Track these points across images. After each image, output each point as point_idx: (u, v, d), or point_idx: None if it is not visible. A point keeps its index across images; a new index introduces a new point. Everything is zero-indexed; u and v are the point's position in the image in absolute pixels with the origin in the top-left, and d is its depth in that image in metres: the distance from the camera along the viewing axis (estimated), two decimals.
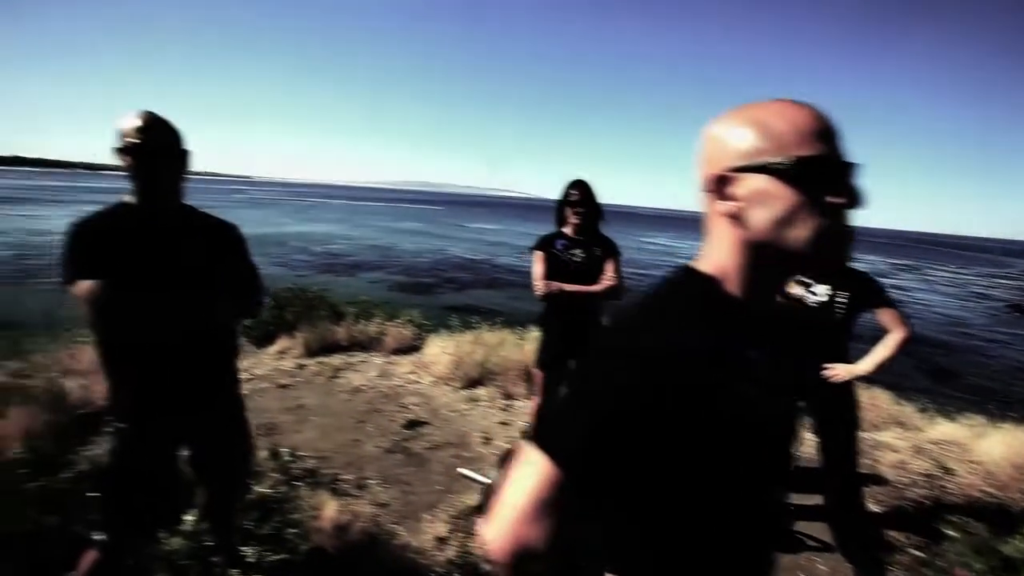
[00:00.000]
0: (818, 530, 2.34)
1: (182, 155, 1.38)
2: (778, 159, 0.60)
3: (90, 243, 1.27)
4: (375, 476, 2.73)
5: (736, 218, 0.63)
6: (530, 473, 0.59)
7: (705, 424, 0.59)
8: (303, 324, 4.81)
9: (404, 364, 4.45)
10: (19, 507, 1.88)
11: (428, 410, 3.63)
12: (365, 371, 4.25)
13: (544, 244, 2.64)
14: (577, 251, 2.61)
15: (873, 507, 2.65)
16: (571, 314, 2.64)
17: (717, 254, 0.66)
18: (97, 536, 1.38)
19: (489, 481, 2.22)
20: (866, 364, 2.03)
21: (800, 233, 0.60)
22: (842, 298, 2.00)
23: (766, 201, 0.61)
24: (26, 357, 3.74)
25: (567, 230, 2.66)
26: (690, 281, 0.67)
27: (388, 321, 5.09)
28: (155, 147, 1.31)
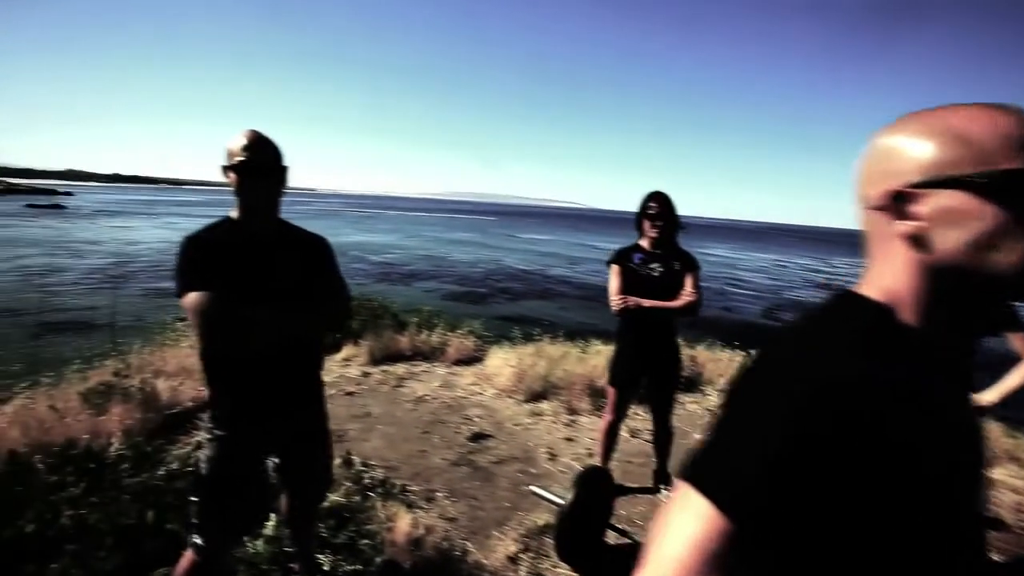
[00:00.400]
0: None
1: (283, 172, 1.43)
2: (978, 172, 0.51)
3: (200, 257, 1.32)
4: (443, 489, 2.71)
5: (917, 239, 0.54)
6: (691, 520, 0.52)
7: (894, 464, 0.50)
8: (368, 333, 4.93)
9: (466, 375, 4.46)
10: (122, 501, 1.98)
11: (492, 423, 3.59)
12: (428, 381, 4.28)
13: (621, 257, 2.56)
14: (655, 265, 2.51)
15: (994, 556, 2.35)
16: (648, 330, 2.53)
17: (888, 279, 0.57)
18: (195, 539, 1.42)
19: (562, 502, 2.15)
20: (992, 394, 1.80)
21: (1007, 258, 0.50)
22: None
23: (960, 221, 0.51)
24: (122, 357, 4.02)
25: (644, 243, 2.56)
26: (855, 308, 0.59)
27: (450, 331, 5.13)
28: (260, 165, 1.36)
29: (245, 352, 1.34)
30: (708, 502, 0.51)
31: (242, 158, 1.33)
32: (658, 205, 2.48)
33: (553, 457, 3.16)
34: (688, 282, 2.50)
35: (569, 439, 3.43)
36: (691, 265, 2.54)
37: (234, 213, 1.42)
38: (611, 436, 2.74)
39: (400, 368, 4.50)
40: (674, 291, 2.48)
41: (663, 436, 2.76)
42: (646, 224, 2.52)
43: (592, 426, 3.64)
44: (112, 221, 32.74)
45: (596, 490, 2.22)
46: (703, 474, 0.54)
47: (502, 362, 4.44)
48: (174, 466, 2.33)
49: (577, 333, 5.75)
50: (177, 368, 3.64)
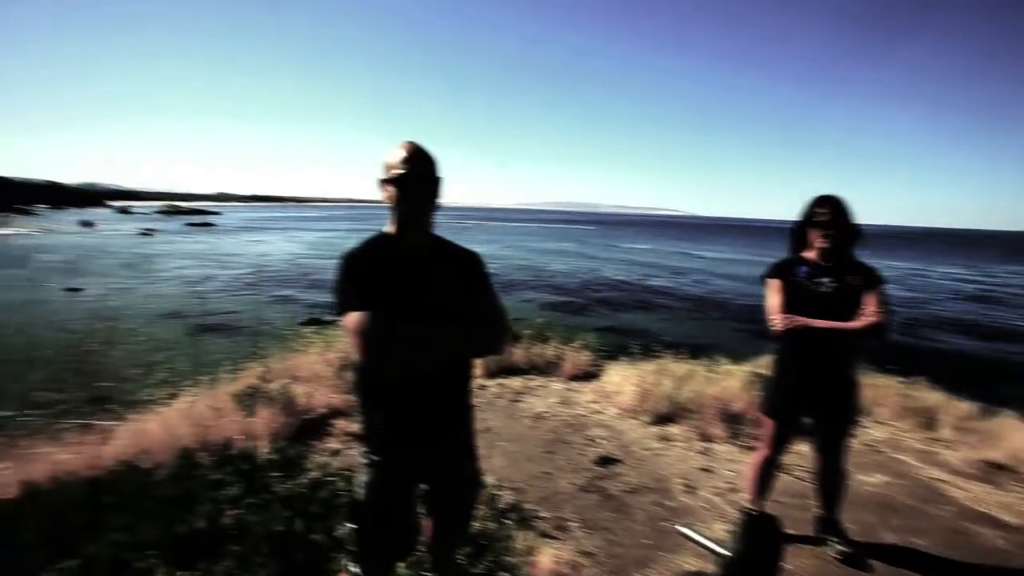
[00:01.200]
0: None
1: (439, 184, 1.35)
2: None
3: (359, 275, 1.27)
4: (574, 518, 2.52)
5: None
6: None
7: None
8: None
9: (585, 392, 4.25)
10: (274, 507, 2.05)
11: (618, 445, 3.34)
12: (545, 396, 4.13)
13: (782, 271, 2.20)
14: (826, 279, 2.12)
15: None
16: (817, 355, 2.14)
17: None
18: (352, 568, 1.36)
19: (723, 551, 1.85)
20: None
21: None
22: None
23: None
24: (263, 360, 4.37)
25: (810, 254, 2.18)
26: None
27: (564, 345, 4.95)
28: (420, 177, 1.29)
29: (404, 373, 1.26)
30: None
31: (402, 170, 1.27)
32: (829, 211, 2.10)
33: (691, 490, 2.84)
34: (871, 300, 2.08)
35: (706, 470, 3.07)
36: (873, 280, 2.11)
37: (389, 228, 1.36)
38: (766, 473, 2.37)
39: (515, 382, 4.40)
40: (850, 310, 2.08)
41: (831, 478, 2.33)
42: (813, 234, 2.14)
43: (730, 456, 3.25)
44: (250, 236, 37.25)
45: (763, 541, 1.90)
46: None
47: (622, 379, 4.17)
48: (315, 474, 2.39)
49: (698, 349, 5.30)
50: (310, 374, 3.85)
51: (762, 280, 2.23)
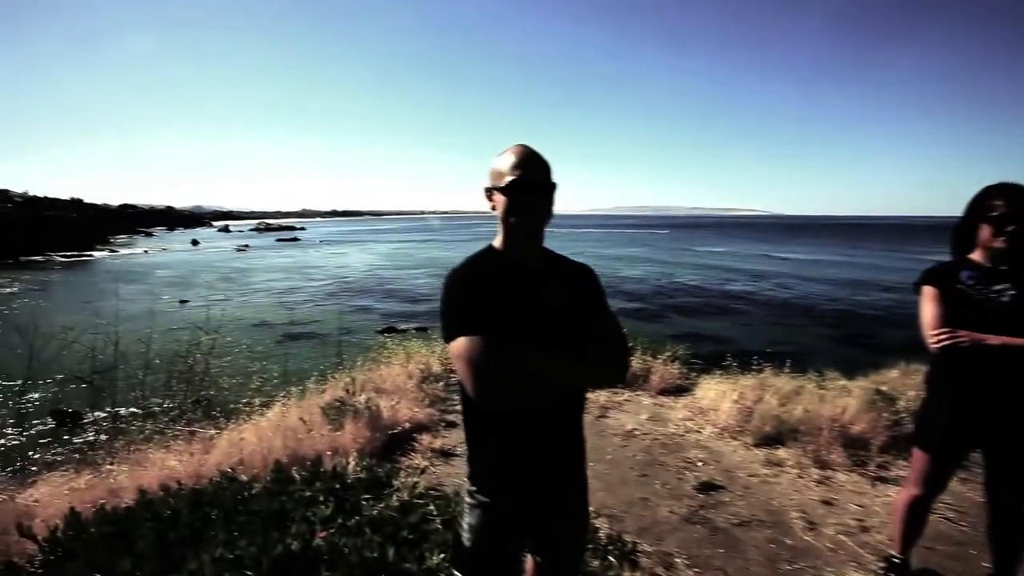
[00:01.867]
0: None
1: (553, 191, 1.19)
2: None
3: (468, 296, 1.13)
4: (680, 552, 2.26)
5: None
6: None
7: None
8: None
9: (677, 408, 3.93)
10: (364, 531, 1.98)
11: (720, 470, 3.02)
12: (634, 412, 3.87)
13: (940, 277, 1.83)
14: (1000, 286, 1.73)
15: None
16: (989, 379, 1.75)
17: None
18: None
19: None
20: None
21: None
22: None
23: None
24: (347, 372, 4.45)
25: (978, 257, 1.80)
26: None
27: (650, 356, 4.64)
28: (536, 183, 1.15)
29: (518, 405, 1.11)
30: None
31: (514, 177, 1.13)
32: (1008, 203, 1.71)
33: (812, 526, 2.47)
34: None
35: (827, 503, 2.68)
36: None
37: (496, 242, 1.22)
38: (916, 516, 1.99)
39: (600, 395, 4.17)
40: None
41: (1009, 528, 1.91)
42: (986, 231, 1.76)
43: (855, 487, 2.83)
44: (331, 249, 39.62)
45: None
46: None
47: (718, 394, 3.82)
48: (403, 495, 2.32)
49: (799, 361, 4.78)
50: (393, 387, 3.85)
51: (915, 288, 1.88)
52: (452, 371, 4.56)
